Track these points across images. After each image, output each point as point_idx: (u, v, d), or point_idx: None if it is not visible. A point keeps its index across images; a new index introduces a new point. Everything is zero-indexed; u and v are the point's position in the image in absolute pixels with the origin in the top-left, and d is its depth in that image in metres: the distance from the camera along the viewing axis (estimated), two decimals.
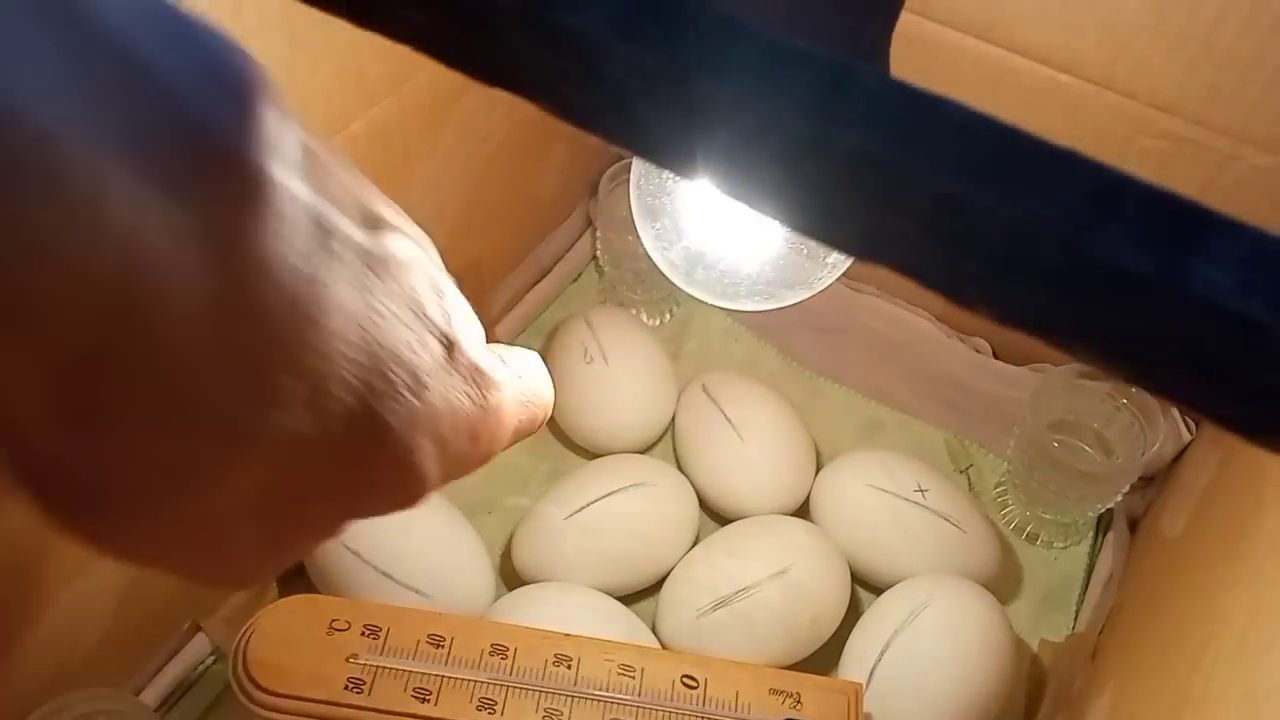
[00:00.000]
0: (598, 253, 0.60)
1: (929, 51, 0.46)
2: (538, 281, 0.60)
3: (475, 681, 0.41)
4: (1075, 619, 0.52)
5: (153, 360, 0.14)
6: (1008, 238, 0.13)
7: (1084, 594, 0.52)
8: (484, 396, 0.23)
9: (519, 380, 0.26)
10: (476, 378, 0.22)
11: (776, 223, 0.15)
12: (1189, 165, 0.43)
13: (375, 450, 0.19)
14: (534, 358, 0.29)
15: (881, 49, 0.24)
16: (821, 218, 0.14)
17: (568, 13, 0.15)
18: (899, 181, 0.13)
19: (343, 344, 0.17)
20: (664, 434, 0.56)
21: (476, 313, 0.22)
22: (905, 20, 0.46)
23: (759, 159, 0.14)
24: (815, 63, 0.14)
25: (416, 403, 0.20)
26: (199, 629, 0.47)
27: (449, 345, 0.21)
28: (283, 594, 0.48)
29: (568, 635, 0.43)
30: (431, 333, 0.20)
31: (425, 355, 0.20)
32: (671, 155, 0.15)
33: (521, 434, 0.26)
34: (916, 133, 0.13)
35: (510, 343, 0.59)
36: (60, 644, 0.40)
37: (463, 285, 0.21)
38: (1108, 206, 0.13)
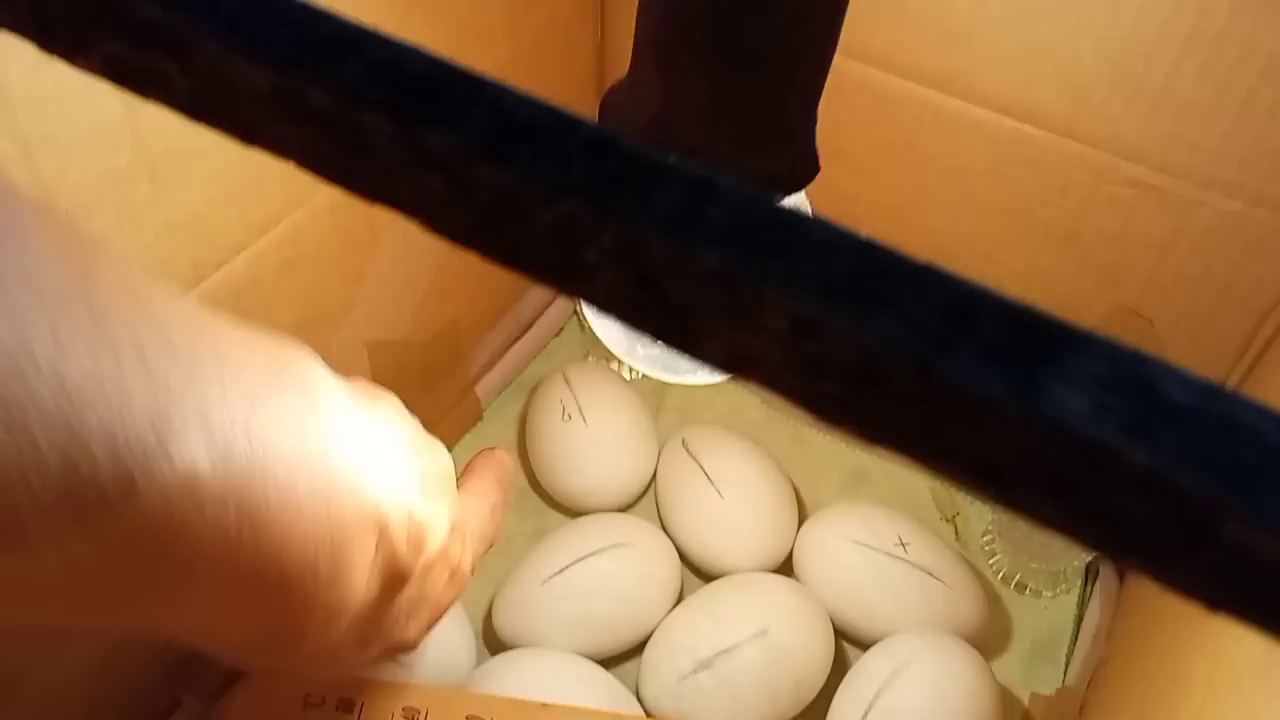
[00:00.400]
0: (578, 306, 0.61)
1: (893, 105, 0.46)
2: (518, 338, 0.60)
3: None
4: (1065, 670, 0.51)
5: None
6: (863, 360, 0.13)
7: (1073, 644, 0.51)
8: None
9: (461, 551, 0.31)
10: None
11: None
12: (1155, 211, 0.43)
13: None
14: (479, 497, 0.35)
15: (804, 127, 0.24)
16: (683, 337, 0.14)
17: (436, 132, 0.15)
18: (756, 303, 0.13)
19: None
20: (646, 489, 0.55)
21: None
22: (868, 75, 0.46)
23: (622, 279, 0.14)
24: (679, 179, 0.14)
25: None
26: (178, 703, 0.47)
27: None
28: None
29: (545, 705, 0.43)
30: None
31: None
32: (543, 273, 0.15)
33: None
34: (773, 252, 0.13)
35: (491, 402, 0.59)
36: None
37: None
38: (961, 325, 0.13)
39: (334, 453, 0.22)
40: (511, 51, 0.46)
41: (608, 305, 0.15)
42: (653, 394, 0.60)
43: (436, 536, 0.28)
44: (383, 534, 0.24)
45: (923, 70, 0.44)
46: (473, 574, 0.32)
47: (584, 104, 0.54)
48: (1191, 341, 0.46)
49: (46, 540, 0.17)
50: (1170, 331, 0.46)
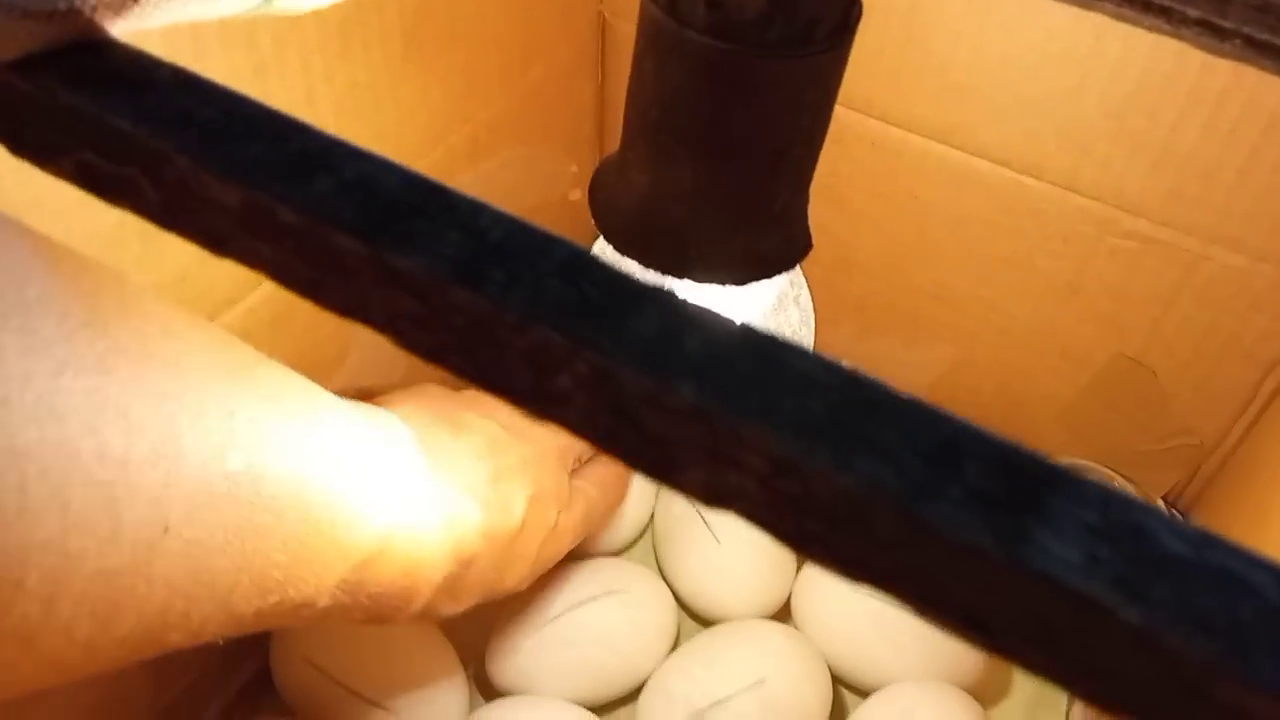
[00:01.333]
0: None
1: (893, 156, 0.46)
2: None
3: None
4: (1066, 718, 0.50)
5: None
6: (844, 502, 0.12)
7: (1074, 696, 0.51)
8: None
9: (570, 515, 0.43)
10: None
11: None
12: (1158, 264, 0.43)
13: None
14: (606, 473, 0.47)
15: (796, 207, 0.24)
16: (662, 467, 0.14)
17: (408, 253, 0.14)
18: (734, 439, 0.13)
19: None
20: (643, 534, 0.55)
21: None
22: (868, 125, 0.46)
23: (597, 407, 0.14)
24: (656, 306, 0.14)
25: None
26: None
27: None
28: (251, 712, 0.48)
29: None
30: None
31: None
32: (516, 397, 0.14)
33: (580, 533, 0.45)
34: (752, 385, 0.13)
35: None
36: None
37: None
38: (947, 467, 0.12)
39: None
40: (510, 102, 0.46)
41: (582, 431, 0.14)
42: None
43: (512, 514, 0.38)
44: (451, 523, 0.34)
45: (922, 122, 0.44)
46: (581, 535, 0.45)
47: (585, 149, 0.54)
48: (1195, 393, 0.45)
49: None
50: (1173, 383, 0.45)
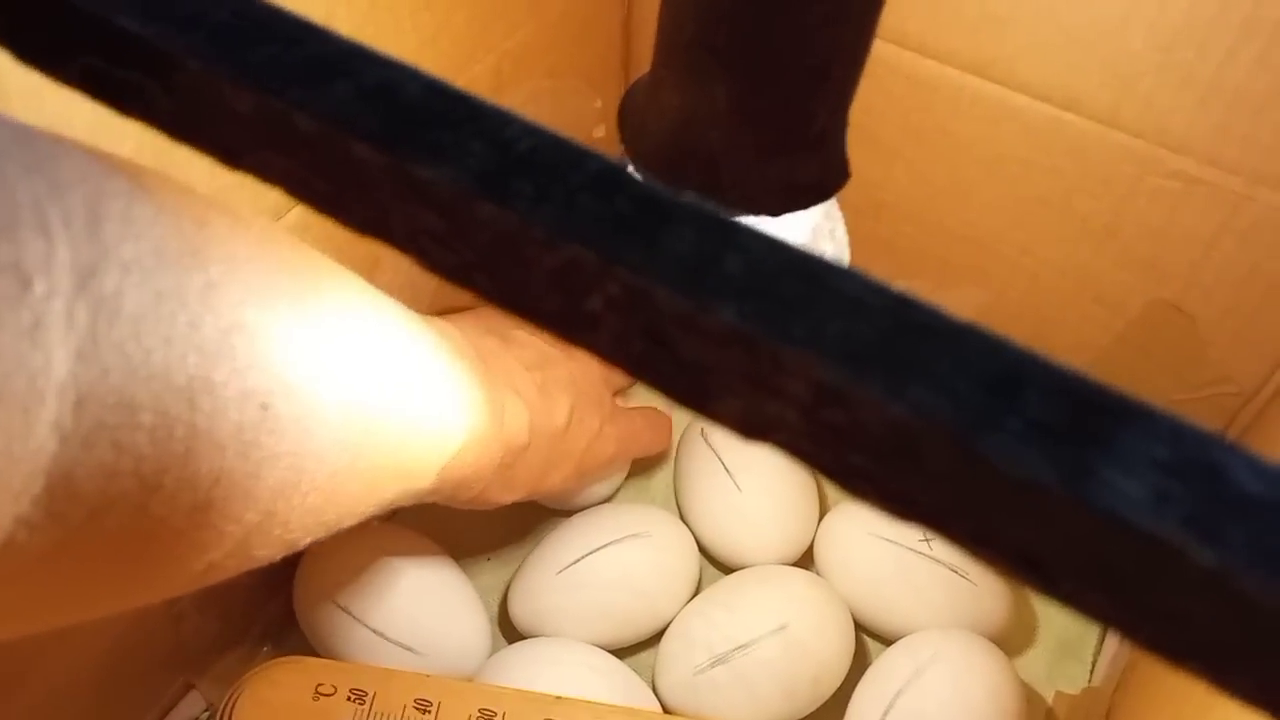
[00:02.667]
0: None
1: (928, 90, 0.44)
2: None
3: None
4: (1092, 669, 0.50)
5: None
6: (894, 434, 0.12)
7: (1100, 644, 0.50)
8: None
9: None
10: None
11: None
12: (1202, 206, 0.41)
13: None
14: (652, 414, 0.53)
15: (834, 131, 0.23)
16: (697, 395, 0.13)
17: (431, 165, 0.13)
18: (775, 365, 0.12)
19: None
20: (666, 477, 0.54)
21: None
22: (902, 58, 0.44)
23: (630, 330, 0.13)
24: (693, 222, 0.13)
25: None
26: (191, 687, 0.46)
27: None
28: (276, 653, 0.48)
29: (558, 699, 0.42)
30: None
31: None
32: (544, 320, 0.14)
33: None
34: (796, 308, 0.12)
35: None
36: (43, 713, 0.40)
37: None
38: (1005, 396, 0.11)
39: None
40: (535, 30, 0.45)
41: (613, 357, 0.13)
42: None
43: (557, 416, 0.42)
44: (503, 416, 0.38)
45: (959, 54, 0.42)
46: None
47: (610, 83, 0.53)
48: (1234, 339, 0.44)
49: None
50: (1213, 329, 0.44)
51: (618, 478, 0.53)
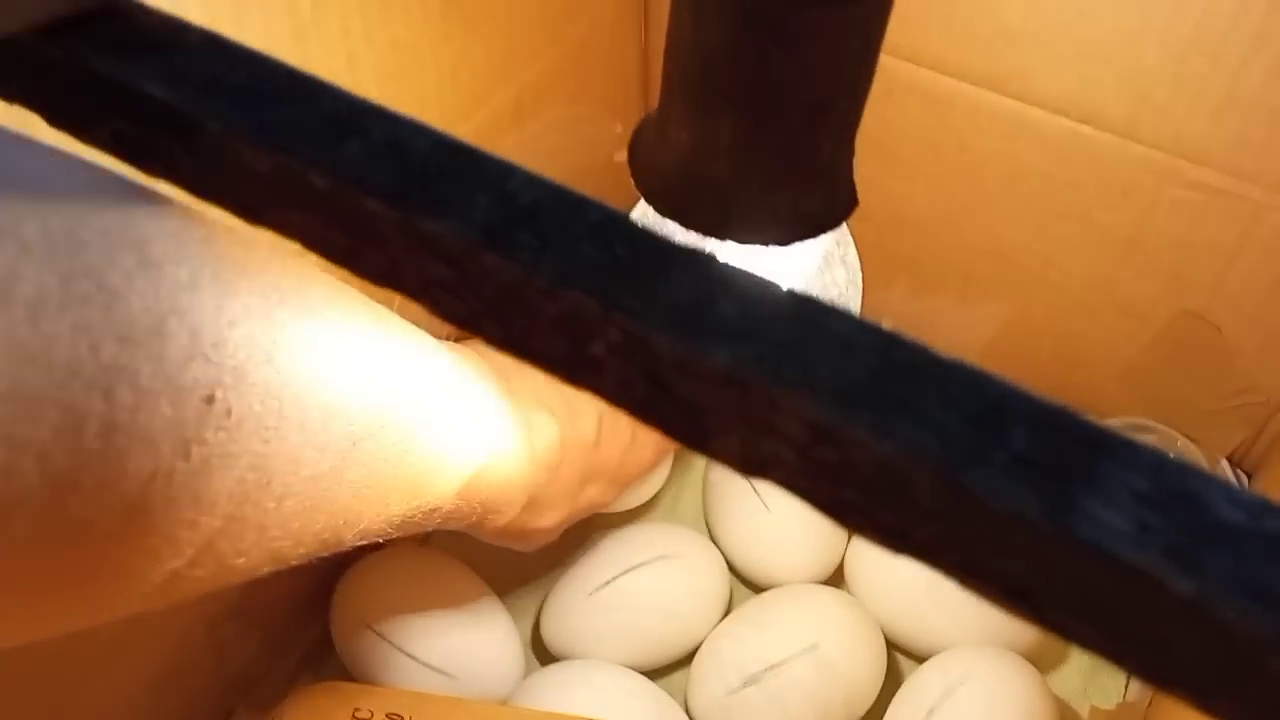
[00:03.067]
0: None
1: (945, 106, 0.44)
2: None
3: None
4: (1126, 684, 0.49)
5: None
6: (884, 471, 0.12)
7: None
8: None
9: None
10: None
11: None
12: (1223, 216, 0.41)
13: None
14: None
15: (840, 161, 0.23)
16: (697, 435, 0.13)
17: (438, 218, 0.14)
18: (770, 405, 0.12)
19: None
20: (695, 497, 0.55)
21: None
22: (919, 76, 0.44)
23: (631, 374, 0.13)
24: (690, 269, 0.13)
25: None
26: (233, 712, 0.47)
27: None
28: (314, 678, 0.48)
29: None
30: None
31: None
32: (550, 365, 0.14)
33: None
34: (788, 350, 0.13)
35: None
36: None
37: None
38: (991, 432, 0.12)
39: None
40: (553, 61, 0.46)
41: (617, 400, 0.14)
42: None
43: (585, 429, 0.41)
44: (531, 435, 0.38)
45: (975, 70, 0.43)
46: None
47: (630, 109, 0.54)
48: (1260, 350, 0.44)
49: None
50: (1238, 339, 0.44)
51: (659, 477, 0.53)
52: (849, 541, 0.51)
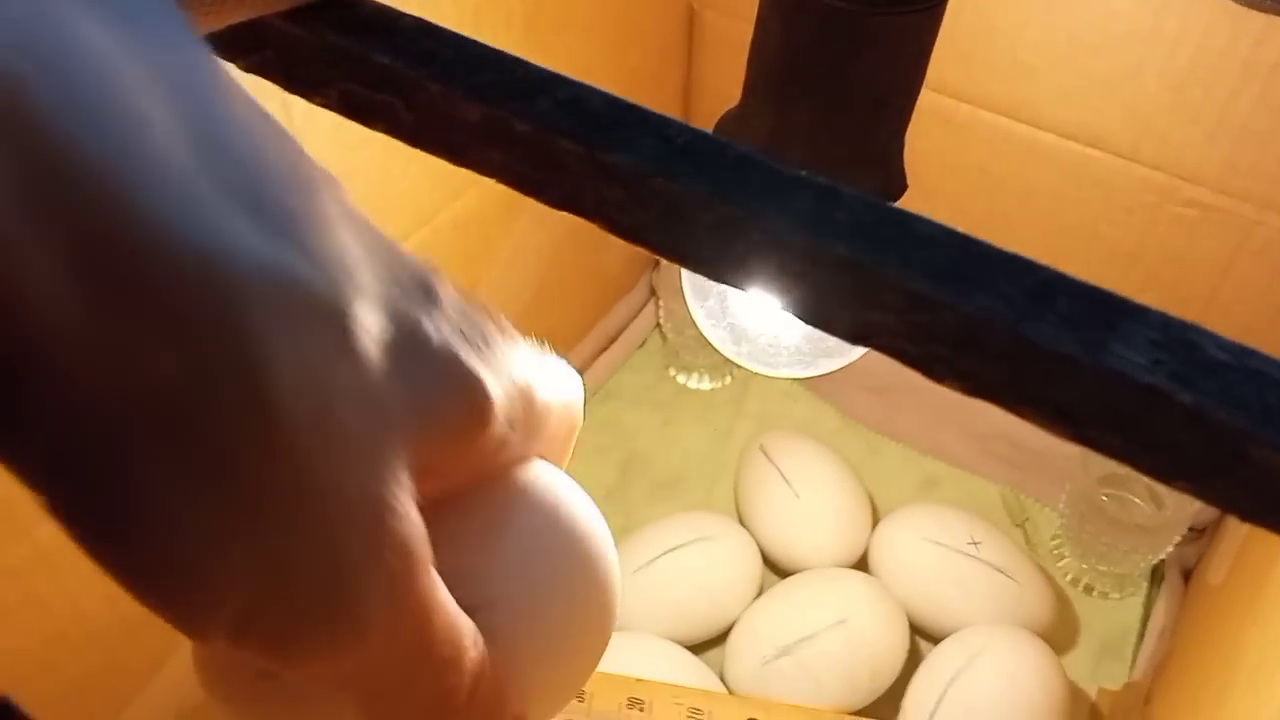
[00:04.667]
0: (661, 320, 0.64)
1: (963, 131, 0.49)
2: (605, 349, 0.64)
3: None
4: (1132, 667, 0.53)
5: None
6: (965, 327, 0.16)
7: (1140, 643, 0.54)
8: None
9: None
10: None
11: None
12: (1217, 230, 0.46)
13: None
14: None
15: (894, 150, 0.28)
16: (819, 311, 0.18)
17: (616, 153, 0.18)
18: (878, 284, 0.17)
19: None
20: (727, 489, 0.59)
21: None
22: (940, 103, 0.49)
23: (768, 266, 0.18)
24: (810, 188, 0.18)
25: None
26: None
27: None
28: None
29: (640, 680, 0.46)
30: None
31: None
32: (703, 263, 0.18)
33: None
34: (890, 244, 0.17)
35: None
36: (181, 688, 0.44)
37: None
38: (1042, 299, 0.16)
39: None
40: (611, 84, 0.50)
41: (755, 288, 0.18)
42: (732, 402, 0.63)
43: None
44: None
45: (993, 99, 0.48)
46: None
47: None
48: None
49: None
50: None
51: None
52: (872, 530, 0.55)
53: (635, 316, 0.67)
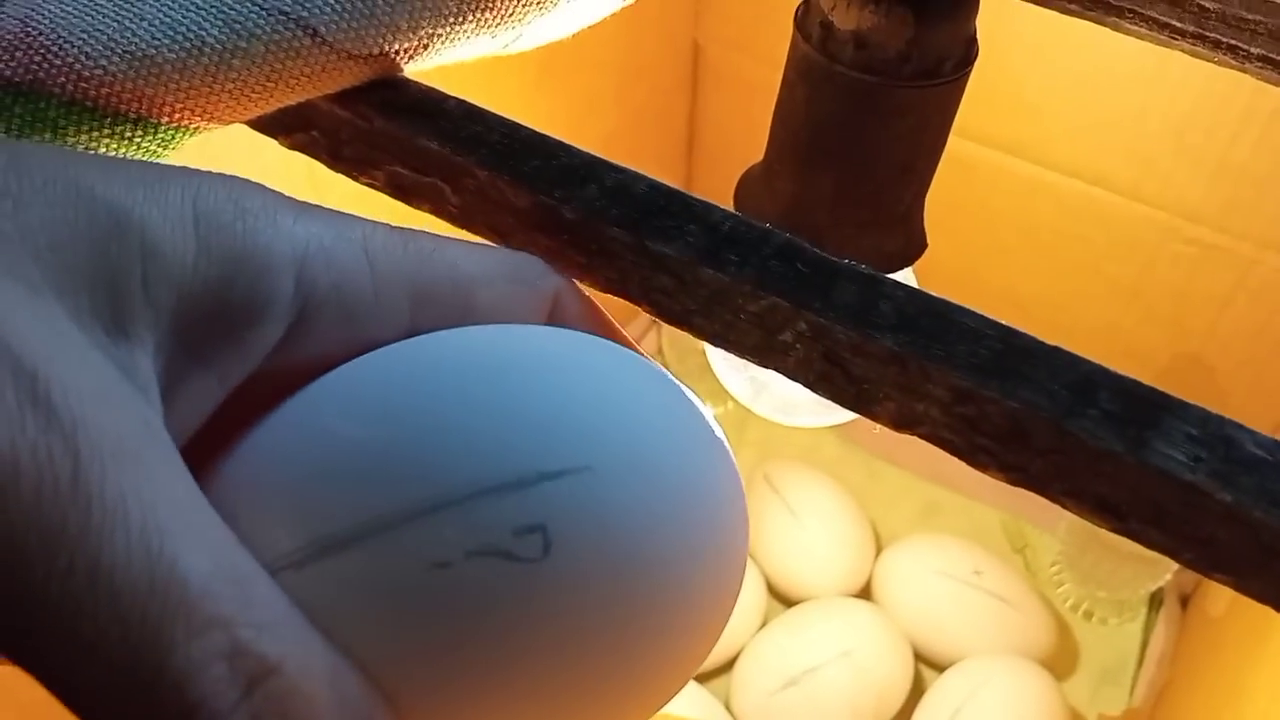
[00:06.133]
0: (663, 347, 0.65)
1: (968, 168, 0.50)
2: None
3: None
4: (1131, 693, 0.54)
5: None
6: (1010, 421, 0.17)
7: (1139, 670, 0.55)
8: None
9: None
10: None
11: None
12: (1216, 269, 0.47)
13: None
14: None
15: (915, 210, 0.29)
16: (863, 401, 0.18)
17: (664, 242, 0.19)
18: (923, 376, 0.17)
19: None
20: None
21: None
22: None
23: (812, 355, 0.18)
24: (856, 279, 0.18)
25: None
26: None
27: None
28: None
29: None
30: None
31: None
32: (748, 351, 0.19)
33: None
34: (935, 336, 0.17)
35: None
36: None
37: None
38: (1085, 394, 0.17)
39: None
40: (619, 120, 0.51)
41: (799, 376, 0.19)
42: (731, 430, 0.64)
43: None
44: None
45: (997, 137, 0.48)
46: None
47: (676, 167, 0.59)
48: (1249, 388, 0.49)
49: None
50: (1229, 379, 0.49)
51: None
52: (877, 559, 0.56)
53: (638, 343, 0.67)
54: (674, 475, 0.16)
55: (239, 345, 0.14)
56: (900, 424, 0.18)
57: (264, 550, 0.13)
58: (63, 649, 0.11)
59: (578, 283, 0.20)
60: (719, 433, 0.18)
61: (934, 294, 0.18)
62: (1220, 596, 0.49)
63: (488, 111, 0.21)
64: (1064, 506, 0.17)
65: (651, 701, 0.16)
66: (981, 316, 0.18)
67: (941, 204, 0.53)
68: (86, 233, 0.13)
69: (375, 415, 0.15)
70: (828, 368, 0.18)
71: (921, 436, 0.18)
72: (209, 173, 0.15)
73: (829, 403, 0.36)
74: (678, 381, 0.18)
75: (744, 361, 0.38)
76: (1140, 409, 0.17)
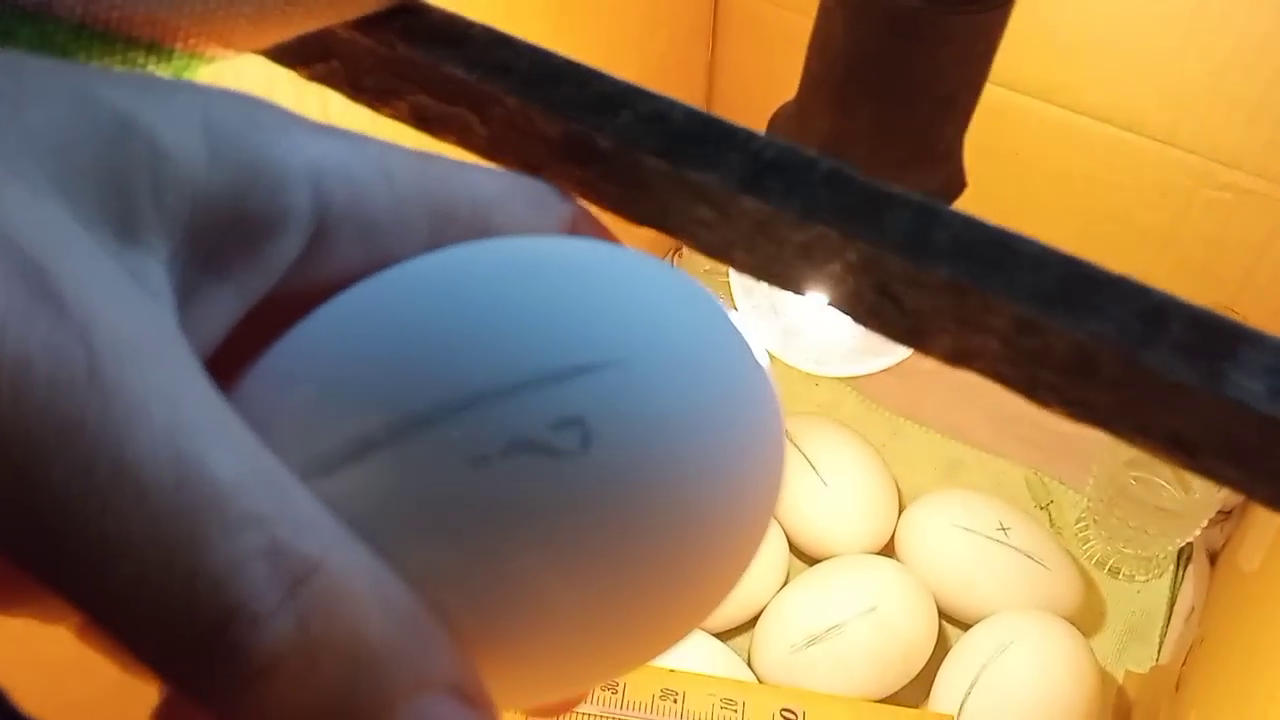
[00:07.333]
0: None
1: (997, 114, 0.49)
2: None
3: (587, 715, 0.45)
4: (1159, 651, 0.53)
5: None
6: (1076, 353, 0.16)
7: (1166, 626, 0.54)
8: None
9: None
10: None
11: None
12: (1252, 215, 0.45)
13: None
14: None
15: (956, 148, 0.27)
16: (916, 334, 0.17)
17: (703, 170, 0.18)
18: (983, 307, 0.16)
19: None
20: None
21: None
22: None
23: (863, 287, 0.17)
24: (909, 206, 0.17)
25: None
26: None
27: None
28: None
29: (672, 670, 0.46)
30: None
31: None
32: (792, 283, 0.18)
33: None
34: (994, 265, 0.16)
35: None
36: None
37: None
38: (1156, 325, 0.16)
39: None
40: (639, 69, 0.50)
41: (846, 308, 0.18)
42: None
43: None
44: None
45: (1027, 82, 0.47)
46: None
47: None
48: None
49: None
50: (1264, 329, 0.48)
51: None
52: (899, 516, 0.55)
53: None
54: (711, 373, 0.15)
55: (256, 258, 0.13)
56: (956, 359, 0.17)
57: (293, 457, 0.12)
58: (87, 552, 0.10)
59: (604, 216, 0.19)
60: (753, 341, 0.17)
61: (991, 223, 0.17)
62: (1254, 551, 0.48)
63: (515, 38, 0.20)
64: (1131, 443, 0.16)
65: (698, 610, 0.16)
66: (1044, 246, 0.17)
67: (968, 150, 0.52)
68: (91, 136, 0.12)
69: (404, 316, 0.14)
70: (879, 300, 0.17)
71: (978, 372, 0.17)
72: (219, 88, 0.14)
73: (860, 350, 0.35)
74: (710, 293, 0.18)
75: (774, 310, 0.37)
76: (1215, 339, 0.16)
